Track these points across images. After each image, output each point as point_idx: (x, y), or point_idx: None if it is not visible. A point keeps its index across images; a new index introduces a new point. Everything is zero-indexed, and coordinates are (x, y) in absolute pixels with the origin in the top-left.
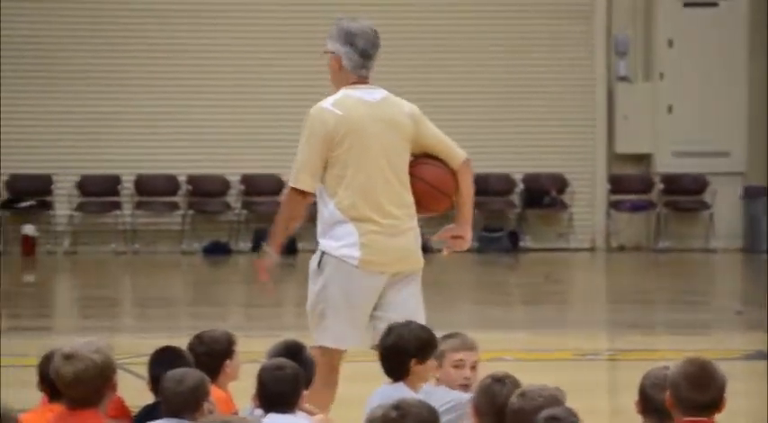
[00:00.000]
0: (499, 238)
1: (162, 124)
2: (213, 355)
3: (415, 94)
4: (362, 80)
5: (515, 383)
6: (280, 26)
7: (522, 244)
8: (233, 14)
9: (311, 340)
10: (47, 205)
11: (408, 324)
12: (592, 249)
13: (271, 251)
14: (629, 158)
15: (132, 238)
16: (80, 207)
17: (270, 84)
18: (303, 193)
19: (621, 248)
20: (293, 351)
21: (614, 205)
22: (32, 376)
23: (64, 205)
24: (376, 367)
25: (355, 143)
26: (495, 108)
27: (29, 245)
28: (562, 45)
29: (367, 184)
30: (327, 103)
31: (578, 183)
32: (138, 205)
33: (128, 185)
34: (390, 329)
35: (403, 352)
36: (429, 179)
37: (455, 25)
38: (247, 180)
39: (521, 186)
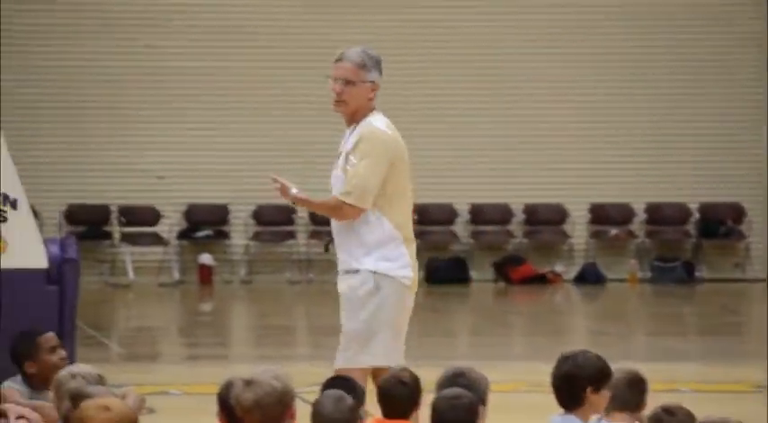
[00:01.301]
0: (674, 269)
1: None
2: (413, 394)
3: (588, 123)
4: None
5: (687, 415)
6: (454, 56)
7: (697, 274)
8: (408, 53)
9: (481, 368)
10: (223, 235)
11: (585, 352)
12: None
13: (297, 194)
14: None
15: (307, 267)
16: (256, 236)
17: (442, 113)
18: (360, 212)
19: None
20: (465, 379)
21: None
22: (211, 404)
23: (240, 234)
24: (542, 398)
25: (402, 166)
26: (669, 137)
27: (206, 274)
28: (735, 73)
29: (407, 205)
30: (381, 124)
31: (756, 212)
32: (313, 234)
33: (303, 215)
34: (565, 357)
35: (578, 380)
36: None
37: (625, 56)
38: (419, 209)
39: (696, 216)
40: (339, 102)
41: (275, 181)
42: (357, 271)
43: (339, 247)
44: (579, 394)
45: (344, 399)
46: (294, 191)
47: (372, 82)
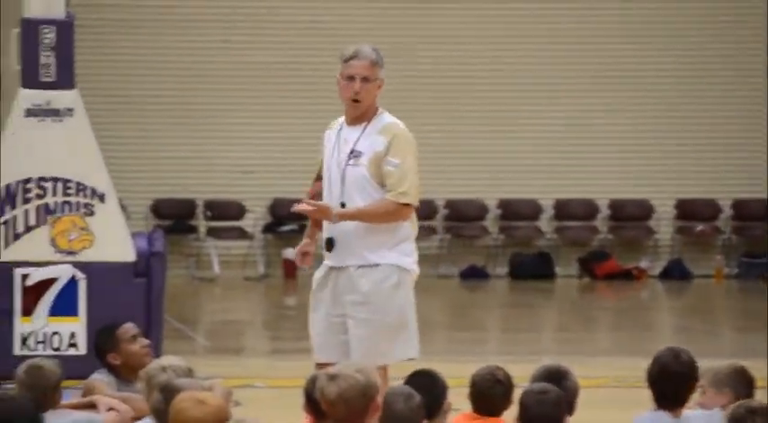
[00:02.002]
0: (761, 265)
1: (424, 150)
2: (507, 392)
3: (674, 118)
4: None
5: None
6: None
7: None
8: (493, 46)
9: (566, 364)
10: None
11: (681, 350)
12: None
13: (341, 211)
14: None
15: None
16: None
17: (527, 108)
18: (413, 211)
19: None
20: (557, 377)
21: None
22: (295, 397)
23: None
24: (628, 393)
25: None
26: (755, 133)
27: (291, 268)
28: None
29: None
30: (400, 122)
31: None
32: None
33: None
34: (676, 355)
35: (692, 378)
36: None
37: (717, 50)
38: (505, 204)
39: None
40: (357, 100)
41: (309, 204)
42: (377, 265)
43: (352, 241)
44: (688, 392)
45: (413, 396)
46: (335, 210)
47: (381, 79)
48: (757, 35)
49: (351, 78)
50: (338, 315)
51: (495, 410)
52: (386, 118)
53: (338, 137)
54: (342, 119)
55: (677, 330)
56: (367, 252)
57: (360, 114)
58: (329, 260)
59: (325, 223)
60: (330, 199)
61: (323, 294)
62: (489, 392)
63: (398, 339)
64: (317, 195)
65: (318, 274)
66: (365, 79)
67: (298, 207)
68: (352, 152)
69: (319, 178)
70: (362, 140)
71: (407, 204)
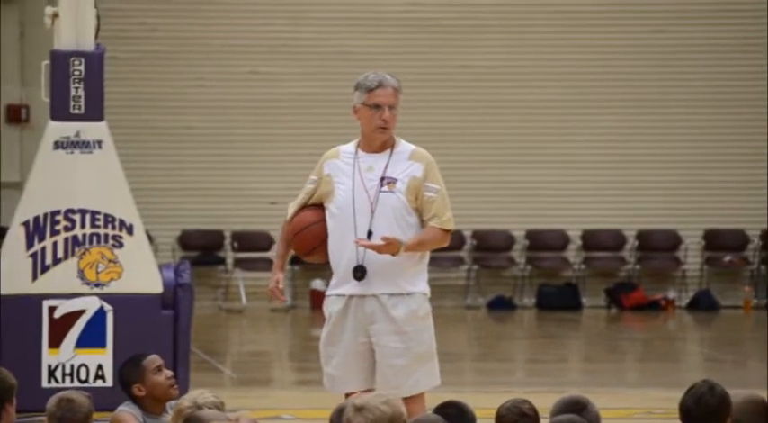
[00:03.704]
0: None
1: (451, 180)
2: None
3: (703, 149)
4: None
5: None
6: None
7: None
8: (557, 72)
9: (594, 395)
10: None
11: (715, 384)
12: None
13: (407, 242)
14: None
15: None
16: None
17: (555, 139)
18: None
19: None
20: (577, 408)
21: None
22: None
23: None
24: None
25: None
26: None
27: (318, 299)
28: None
29: None
30: None
31: None
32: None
33: None
34: (711, 387)
35: (725, 412)
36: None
37: (745, 85)
38: (532, 235)
39: None
40: (388, 129)
41: (385, 239)
42: (411, 293)
43: (387, 269)
44: None
45: None
46: (402, 240)
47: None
48: None
49: (377, 107)
50: (362, 343)
51: None
52: (407, 144)
53: (356, 165)
54: (346, 147)
55: (706, 361)
56: (402, 280)
57: (384, 142)
58: (352, 288)
59: (345, 251)
60: (353, 228)
61: (345, 324)
62: None
63: (429, 367)
64: (313, 224)
65: (335, 306)
66: (391, 107)
67: (363, 243)
68: (383, 179)
69: (306, 207)
70: (392, 167)
71: (449, 230)
